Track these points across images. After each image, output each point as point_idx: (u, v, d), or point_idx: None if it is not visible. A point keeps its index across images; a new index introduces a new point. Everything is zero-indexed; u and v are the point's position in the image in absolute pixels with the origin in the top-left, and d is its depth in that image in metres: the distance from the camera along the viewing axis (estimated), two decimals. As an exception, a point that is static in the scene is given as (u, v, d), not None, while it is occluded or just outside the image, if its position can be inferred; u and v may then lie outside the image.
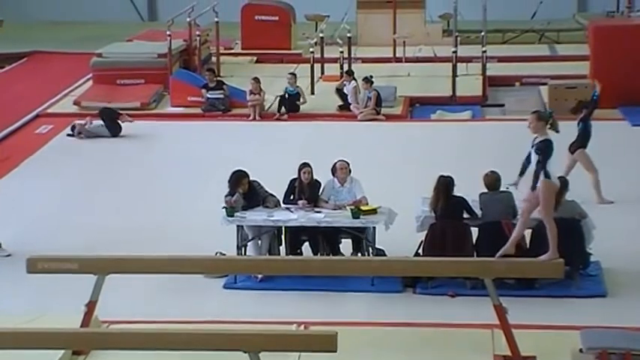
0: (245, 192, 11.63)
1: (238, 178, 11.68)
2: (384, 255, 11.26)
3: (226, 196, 11.61)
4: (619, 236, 12.24)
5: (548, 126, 10.15)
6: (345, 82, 19.17)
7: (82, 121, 17.87)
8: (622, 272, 11.39)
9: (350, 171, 11.89)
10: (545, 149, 9.44)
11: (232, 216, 11.41)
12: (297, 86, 18.94)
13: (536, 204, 9.85)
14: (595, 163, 14.03)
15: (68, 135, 17.83)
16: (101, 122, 17.89)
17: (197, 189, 14.64)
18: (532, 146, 9.97)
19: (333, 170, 11.91)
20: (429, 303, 10.80)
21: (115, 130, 17.75)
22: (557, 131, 9.52)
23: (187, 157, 16.46)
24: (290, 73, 19.26)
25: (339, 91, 19.19)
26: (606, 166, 15.36)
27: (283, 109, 18.76)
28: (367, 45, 24.25)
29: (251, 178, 11.73)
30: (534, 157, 9.91)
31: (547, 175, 9.24)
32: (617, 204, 13.58)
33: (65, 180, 15.53)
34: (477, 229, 11.18)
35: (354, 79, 19.30)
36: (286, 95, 18.88)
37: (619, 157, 15.96)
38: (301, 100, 18.93)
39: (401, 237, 11.44)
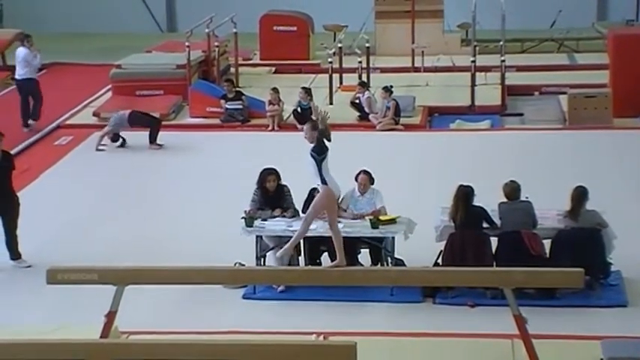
0: (272, 191, 11.66)
1: (264, 174, 11.73)
2: (403, 265, 11.24)
3: (254, 192, 11.70)
4: (640, 246, 12.19)
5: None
6: (358, 94, 19.16)
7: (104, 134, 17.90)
8: (643, 282, 11.35)
9: (373, 182, 11.88)
10: (318, 148, 9.08)
11: (251, 226, 11.42)
12: (310, 100, 18.89)
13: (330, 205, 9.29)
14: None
15: (121, 146, 17.85)
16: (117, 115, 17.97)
17: (216, 199, 14.66)
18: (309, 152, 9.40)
19: (357, 178, 11.93)
20: (449, 313, 10.78)
21: (135, 121, 17.84)
22: (330, 140, 9.28)
23: (206, 168, 16.48)
24: (302, 88, 19.26)
25: (354, 104, 19.18)
26: (626, 176, 15.34)
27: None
28: (385, 55, 24.26)
29: (282, 183, 11.78)
30: (311, 162, 9.25)
31: (324, 182, 8.99)
32: (638, 214, 13.50)
33: (84, 191, 15.58)
34: (496, 238, 11.15)
35: (368, 89, 19.30)
36: (299, 109, 18.88)
37: (639, 166, 15.88)
38: (313, 115, 18.80)
39: (420, 247, 11.42)
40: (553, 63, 23.72)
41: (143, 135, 17.84)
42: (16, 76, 19.15)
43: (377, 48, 24.36)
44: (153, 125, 17.96)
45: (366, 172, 11.93)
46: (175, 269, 9.31)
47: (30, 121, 19.05)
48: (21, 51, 19.11)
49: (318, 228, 11.42)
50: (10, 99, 22.30)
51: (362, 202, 11.80)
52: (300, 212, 11.80)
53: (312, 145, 8.98)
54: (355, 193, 11.87)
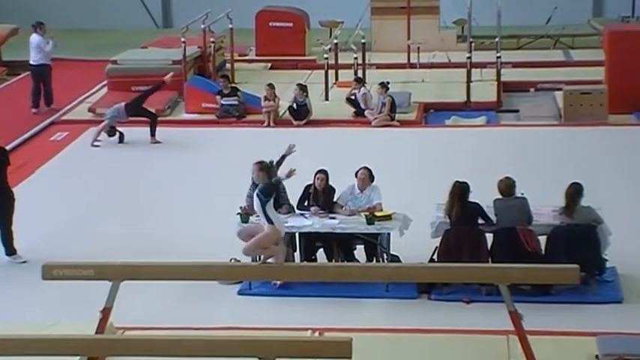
0: None
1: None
2: (399, 261, 11.24)
3: (250, 188, 11.65)
4: (635, 242, 12.19)
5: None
6: (354, 90, 19.15)
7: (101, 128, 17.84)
8: (638, 278, 11.34)
9: (373, 179, 11.87)
10: (267, 189, 9.24)
11: (247, 222, 11.41)
12: (305, 97, 18.89)
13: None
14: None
15: (120, 142, 17.80)
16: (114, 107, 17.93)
17: (212, 195, 14.65)
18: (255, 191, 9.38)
19: (357, 174, 11.92)
20: (444, 309, 10.78)
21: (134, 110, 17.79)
22: (273, 180, 9.41)
23: (202, 164, 16.47)
24: (298, 84, 19.25)
25: (350, 100, 19.16)
26: (622, 172, 15.35)
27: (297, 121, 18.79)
28: (381, 51, 24.23)
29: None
30: (256, 201, 9.18)
31: (269, 221, 9.17)
32: (633, 210, 13.52)
33: (80, 187, 15.56)
34: (491, 234, 11.16)
35: (364, 85, 19.30)
36: (294, 106, 18.88)
37: (635, 163, 15.90)
38: (308, 110, 18.84)
39: (416, 243, 11.42)
40: (549, 59, 23.72)
41: (138, 131, 17.83)
42: (31, 62, 19.98)
43: (373, 44, 24.35)
44: (152, 118, 17.93)
45: (366, 168, 11.92)
46: (171, 265, 9.32)
47: (45, 108, 19.95)
48: (34, 38, 19.98)
49: (314, 224, 11.45)
50: (7, 93, 22.32)
51: (361, 199, 11.80)
52: (295, 208, 11.81)
53: (261, 185, 9.12)
54: (355, 190, 11.86)
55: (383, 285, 11.05)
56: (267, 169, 9.40)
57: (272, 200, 9.13)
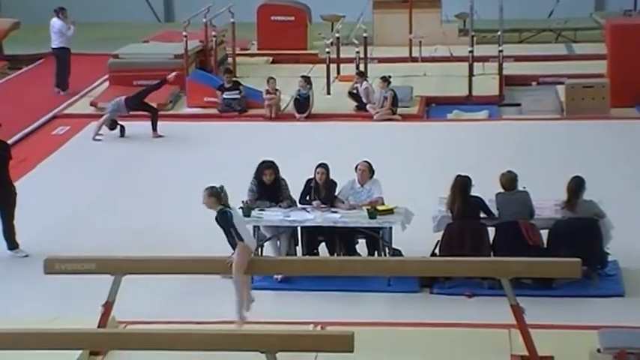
0: (269, 184, 11.64)
1: (262, 167, 11.69)
2: (401, 255, 11.24)
3: (251, 182, 11.69)
4: (637, 236, 12.18)
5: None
6: (356, 84, 19.14)
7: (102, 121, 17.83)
8: (640, 272, 11.36)
9: (373, 173, 11.86)
10: (223, 220, 9.36)
11: (249, 216, 11.41)
12: (309, 89, 18.88)
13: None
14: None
15: (122, 136, 17.82)
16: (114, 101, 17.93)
17: (213, 189, 14.63)
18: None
19: (357, 168, 11.90)
20: (446, 303, 10.79)
21: (134, 103, 17.78)
22: (228, 206, 9.49)
23: (204, 158, 16.46)
24: (302, 76, 19.26)
25: (352, 94, 19.15)
26: (624, 166, 15.35)
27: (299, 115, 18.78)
28: (383, 45, 24.22)
29: (280, 175, 11.73)
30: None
31: (240, 238, 9.24)
32: (636, 203, 13.51)
33: (81, 181, 15.56)
34: (493, 228, 11.16)
35: (366, 79, 19.28)
36: (298, 97, 18.89)
37: (637, 156, 15.90)
38: (310, 103, 18.85)
39: (417, 237, 11.42)
40: (551, 53, 23.71)
41: (140, 125, 17.83)
42: (52, 46, 21.08)
43: (374, 38, 24.33)
44: (153, 112, 17.93)
45: (366, 161, 11.90)
46: (173, 259, 9.33)
47: (60, 92, 20.91)
48: (56, 22, 20.98)
49: (316, 218, 11.44)
50: (8, 87, 22.32)
51: (362, 194, 11.78)
52: (298, 202, 11.81)
53: (216, 215, 9.34)
54: (355, 184, 11.85)
55: (385, 279, 11.05)
56: (217, 194, 9.43)
57: (233, 221, 9.30)
